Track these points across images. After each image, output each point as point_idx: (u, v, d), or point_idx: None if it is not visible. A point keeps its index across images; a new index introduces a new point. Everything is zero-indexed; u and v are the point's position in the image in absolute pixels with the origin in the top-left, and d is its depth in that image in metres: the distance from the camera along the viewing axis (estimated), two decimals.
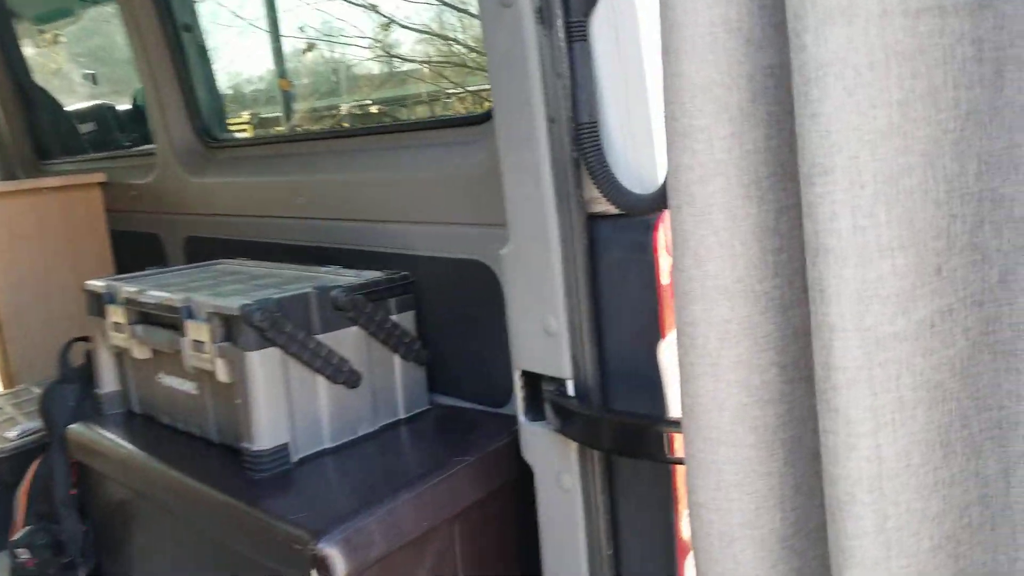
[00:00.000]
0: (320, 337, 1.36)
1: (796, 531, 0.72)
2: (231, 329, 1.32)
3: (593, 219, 1.07)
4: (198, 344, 1.39)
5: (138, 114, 3.02)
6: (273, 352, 1.31)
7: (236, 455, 1.37)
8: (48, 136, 3.61)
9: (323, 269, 1.61)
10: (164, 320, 1.50)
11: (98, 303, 1.68)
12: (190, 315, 1.40)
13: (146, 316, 1.56)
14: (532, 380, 1.20)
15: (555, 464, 1.19)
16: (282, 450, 1.33)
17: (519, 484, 1.30)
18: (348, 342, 1.40)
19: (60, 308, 2.62)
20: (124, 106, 3.57)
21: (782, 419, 0.73)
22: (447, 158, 1.52)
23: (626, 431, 1.07)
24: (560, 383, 1.14)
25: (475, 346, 1.52)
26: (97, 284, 1.69)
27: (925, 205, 0.56)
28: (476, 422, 1.46)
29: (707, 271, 0.77)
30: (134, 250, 2.73)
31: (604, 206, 1.04)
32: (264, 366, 1.30)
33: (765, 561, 0.73)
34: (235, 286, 1.52)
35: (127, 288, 1.60)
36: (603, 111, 0.99)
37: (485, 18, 1.07)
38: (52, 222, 2.73)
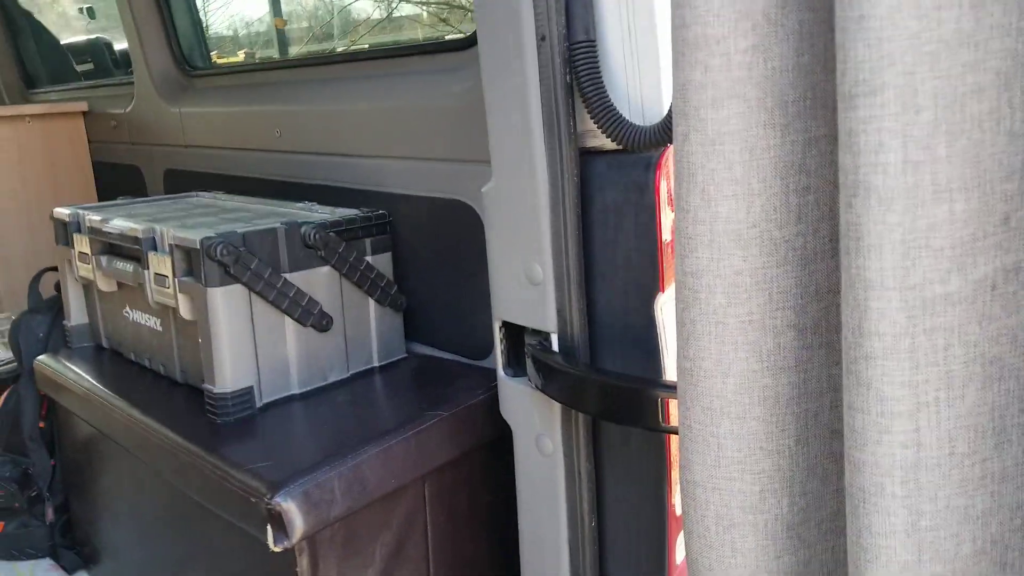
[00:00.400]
0: (288, 276, 1.26)
1: (805, 519, 0.62)
2: (193, 263, 1.21)
3: (587, 155, 0.95)
4: (161, 278, 1.29)
5: None
6: (237, 289, 1.20)
7: (200, 397, 1.28)
8: (35, 65, 3.47)
9: (297, 205, 1.49)
10: (128, 252, 1.39)
11: (65, 232, 1.58)
12: (153, 247, 1.30)
13: (111, 247, 1.46)
14: (514, 332, 1.10)
15: (536, 425, 1.10)
16: (246, 394, 1.24)
17: (497, 444, 1.21)
18: (319, 283, 1.30)
19: (42, 238, 2.53)
20: (122, 43, 3.41)
21: (797, 390, 0.63)
22: (428, 87, 1.39)
23: (616, 394, 0.97)
24: (544, 337, 1.04)
25: (456, 293, 1.42)
26: (64, 212, 1.58)
27: (996, 138, 0.45)
28: (454, 374, 1.37)
29: (717, 212, 0.66)
30: (115, 183, 2.62)
31: (599, 140, 0.92)
32: (227, 304, 1.20)
33: (768, 551, 0.64)
34: (204, 219, 1.41)
35: (92, 217, 1.49)
36: (601, 27, 0.86)
37: None
38: (34, 150, 2.62)
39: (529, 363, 1.05)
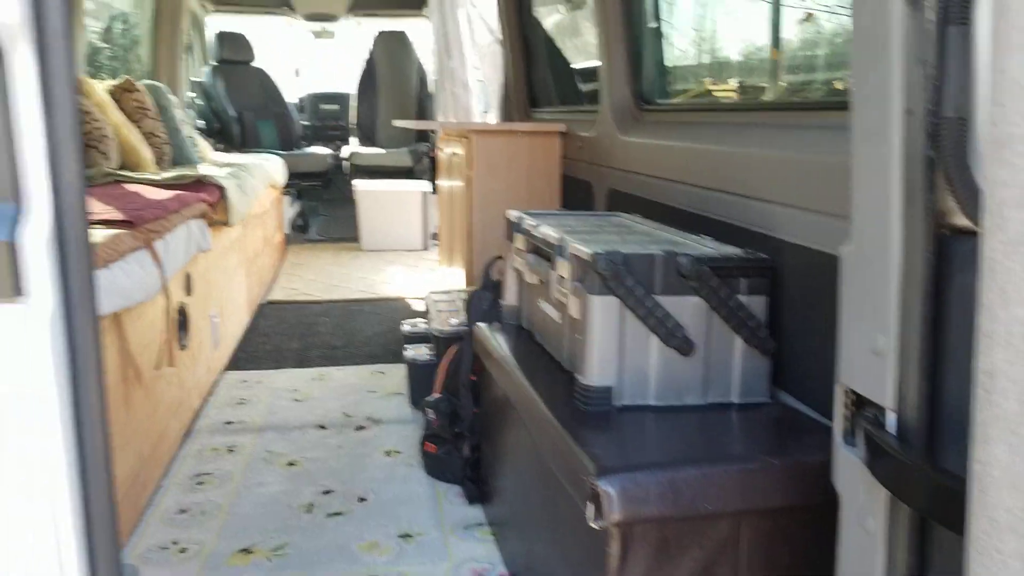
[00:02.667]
0: (660, 298, 1.41)
1: None
2: (583, 272, 1.45)
3: (947, 233, 0.92)
4: (561, 279, 1.56)
5: None
6: (612, 301, 1.40)
7: (574, 385, 1.52)
8: (539, 88, 4.17)
9: (692, 237, 1.64)
10: (547, 254, 1.70)
11: (511, 230, 1.97)
12: (561, 253, 1.58)
13: (537, 248, 1.79)
14: (857, 400, 1.09)
15: (861, 500, 1.08)
16: (606, 392, 1.44)
17: (830, 511, 1.20)
18: (687, 310, 1.43)
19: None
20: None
21: None
22: (820, 141, 1.41)
23: (945, 494, 0.92)
24: (880, 411, 1.02)
25: (828, 350, 1.42)
26: (512, 214, 1.98)
27: None
28: (805, 429, 1.38)
29: (1014, 315, 0.64)
30: (574, 194, 3.07)
31: (962, 219, 0.89)
32: (602, 312, 1.41)
33: None
34: (608, 236, 1.64)
35: (530, 222, 1.84)
36: (975, 108, 0.83)
37: None
38: (520, 160, 3.22)
39: (860, 436, 1.04)
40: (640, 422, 1.41)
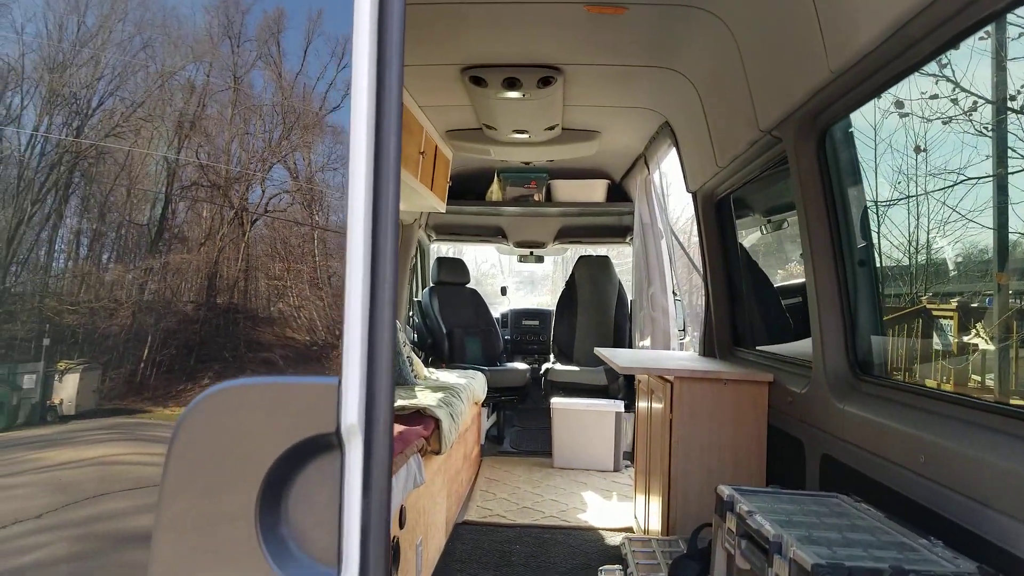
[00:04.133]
0: None
1: None
2: None
3: None
4: None
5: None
6: None
7: None
8: (743, 323, 4.19)
9: (922, 541, 1.55)
10: (762, 545, 1.67)
11: (721, 506, 1.97)
12: (779, 552, 1.55)
13: (749, 534, 1.76)
14: None
15: None
16: None
17: None
18: None
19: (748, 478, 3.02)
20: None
21: None
22: None
23: None
24: None
25: None
26: (724, 490, 1.98)
27: None
28: None
29: None
30: (782, 448, 2.99)
31: None
32: None
33: None
34: (828, 534, 1.60)
35: (742, 505, 1.84)
36: None
37: None
38: (724, 407, 3.22)
39: None
40: None
